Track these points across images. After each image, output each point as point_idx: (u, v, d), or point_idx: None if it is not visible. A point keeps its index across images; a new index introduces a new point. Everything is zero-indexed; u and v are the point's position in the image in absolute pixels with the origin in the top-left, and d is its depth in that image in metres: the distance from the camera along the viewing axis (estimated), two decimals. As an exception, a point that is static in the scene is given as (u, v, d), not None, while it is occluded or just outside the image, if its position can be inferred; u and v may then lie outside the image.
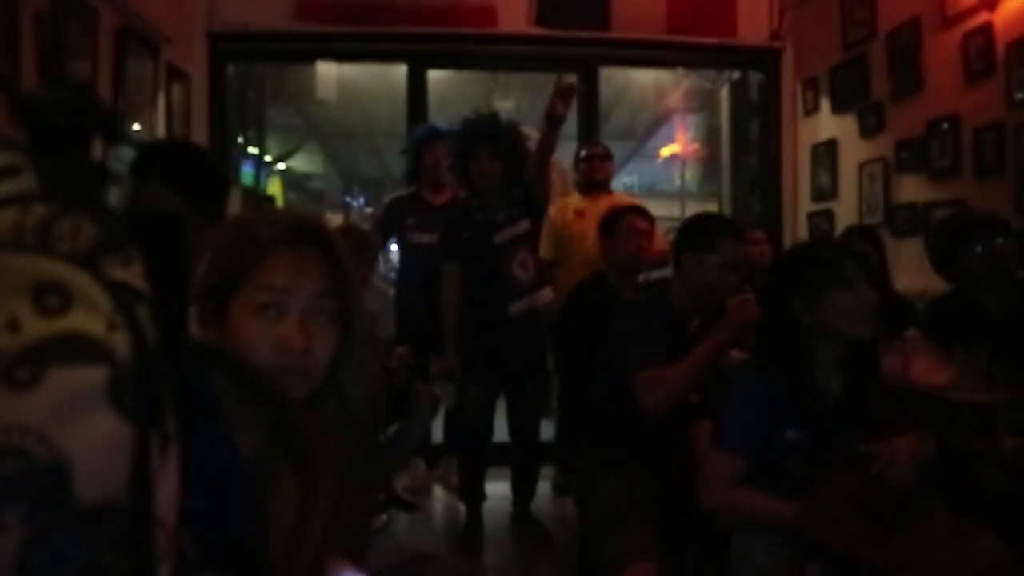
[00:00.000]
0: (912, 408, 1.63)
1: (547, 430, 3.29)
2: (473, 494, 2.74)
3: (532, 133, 2.72)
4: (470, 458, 2.79)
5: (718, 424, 1.50)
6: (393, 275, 4.05)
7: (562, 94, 2.38)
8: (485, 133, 2.61)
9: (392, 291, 3.21)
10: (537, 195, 2.65)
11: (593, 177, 3.14)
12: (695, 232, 1.86)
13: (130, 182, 0.44)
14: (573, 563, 2.11)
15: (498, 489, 2.88)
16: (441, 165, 2.99)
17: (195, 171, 1.53)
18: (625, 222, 2.55)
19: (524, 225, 2.65)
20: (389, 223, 3.20)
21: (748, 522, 1.46)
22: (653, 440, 1.77)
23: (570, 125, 2.92)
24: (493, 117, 2.69)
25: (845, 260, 1.42)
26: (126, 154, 1.44)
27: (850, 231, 2.80)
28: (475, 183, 2.63)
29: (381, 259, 4.47)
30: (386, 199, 3.42)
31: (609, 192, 3.23)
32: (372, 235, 2.91)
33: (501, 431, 2.86)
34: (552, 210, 3.07)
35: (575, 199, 3.22)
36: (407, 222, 3.11)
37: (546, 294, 2.76)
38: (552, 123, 2.42)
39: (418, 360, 2.39)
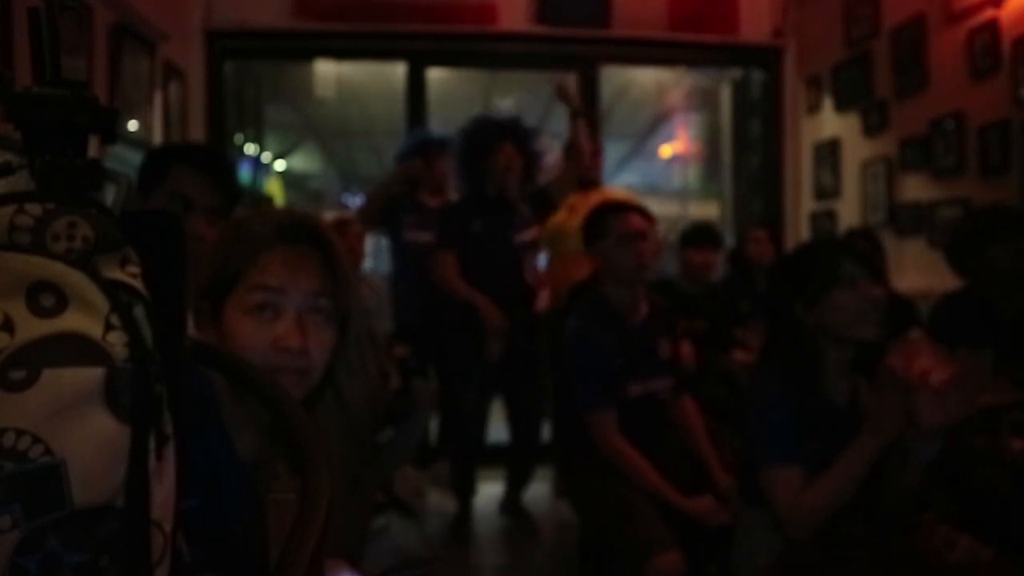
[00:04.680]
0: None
1: (544, 431, 3.30)
2: (464, 489, 2.76)
3: (551, 145, 2.80)
4: (463, 457, 2.79)
5: (762, 442, 1.38)
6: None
7: (561, 96, 2.82)
8: (514, 131, 2.68)
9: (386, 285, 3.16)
10: (556, 196, 2.82)
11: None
12: (587, 229, 1.97)
13: (128, 180, 0.43)
14: (572, 564, 2.11)
15: (494, 491, 2.89)
16: (447, 175, 2.99)
17: (220, 159, 1.55)
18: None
19: (536, 231, 2.74)
20: (387, 214, 3.04)
21: None
22: (646, 440, 1.79)
23: (568, 124, 2.93)
24: (518, 119, 2.79)
25: (844, 258, 1.37)
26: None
27: (850, 233, 2.79)
28: (496, 177, 2.63)
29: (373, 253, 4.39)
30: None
31: (598, 187, 3.25)
32: (354, 219, 2.85)
33: (496, 432, 2.85)
34: None
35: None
36: (406, 219, 3.03)
37: (543, 297, 2.80)
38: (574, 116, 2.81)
39: (417, 359, 2.38)
